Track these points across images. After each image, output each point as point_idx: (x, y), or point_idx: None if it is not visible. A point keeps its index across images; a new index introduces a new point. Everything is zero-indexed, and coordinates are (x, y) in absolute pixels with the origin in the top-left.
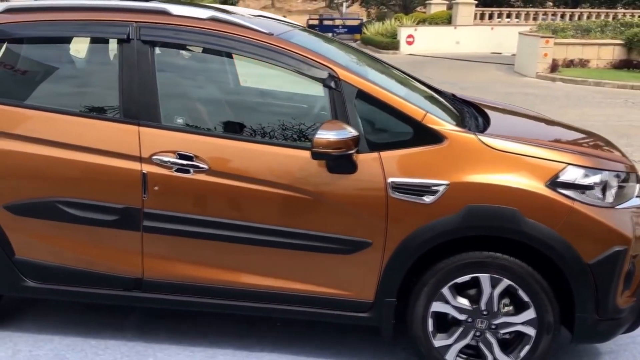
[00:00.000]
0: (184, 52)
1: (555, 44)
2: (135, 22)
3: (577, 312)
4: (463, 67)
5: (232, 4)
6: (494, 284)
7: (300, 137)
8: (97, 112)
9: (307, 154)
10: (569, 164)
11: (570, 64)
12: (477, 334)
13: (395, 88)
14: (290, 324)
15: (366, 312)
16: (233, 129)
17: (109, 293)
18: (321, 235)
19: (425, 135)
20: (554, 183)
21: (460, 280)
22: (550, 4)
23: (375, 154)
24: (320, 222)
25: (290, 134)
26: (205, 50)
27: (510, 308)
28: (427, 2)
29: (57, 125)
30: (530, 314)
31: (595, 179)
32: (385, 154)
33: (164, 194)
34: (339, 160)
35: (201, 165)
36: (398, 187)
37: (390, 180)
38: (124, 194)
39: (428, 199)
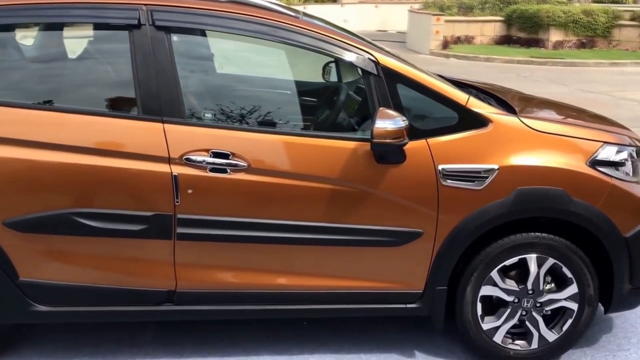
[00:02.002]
0: (203, 38)
1: (446, 21)
2: (145, 4)
3: (616, 283)
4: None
5: None
6: (540, 263)
7: (344, 128)
8: (112, 110)
9: (352, 144)
10: (605, 142)
11: (457, 40)
12: (524, 313)
13: None
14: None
15: (415, 303)
16: (271, 122)
17: (136, 310)
18: (370, 229)
19: (470, 120)
20: (594, 162)
21: (508, 262)
22: None
23: (422, 142)
24: (369, 215)
25: (333, 125)
26: (227, 36)
27: (553, 285)
28: None
29: (67, 126)
30: (573, 289)
31: (624, 155)
32: (432, 141)
33: (199, 197)
34: (391, 150)
35: (239, 164)
36: (448, 174)
37: (440, 167)
38: (153, 200)
39: (479, 184)
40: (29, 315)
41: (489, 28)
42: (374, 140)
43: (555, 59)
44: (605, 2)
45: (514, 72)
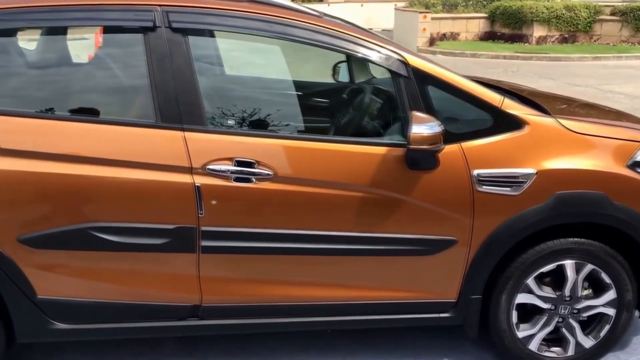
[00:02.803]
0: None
1: (432, 19)
2: (160, 5)
3: None
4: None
5: None
6: (577, 269)
7: (373, 132)
8: (128, 118)
9: (382, 150)
10: None
11: (443, 37)
12: (560, 320)
13: None
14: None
15: (448, 312)
16: (296, 128)
17: (159, 325)
18: (401, 238)
19: (505, 122)
20: (634, 163)
21: (545, 269)
22: None
23: (455, 146)
24: (401, 224)
25: (361, 129)
26: (248, 38)
27: (590, 291)
28: None
29: (82, 137)
30: (611, 295)
31: None
32: (466, 145)
33: (224, 208)
34: (425, 156)
35: (265, 172)
36: (484, 180)
37: (475, 172)
38: (175, 212)
39: (516, 189)
40: (48, 333)
41: (473, 25)
42: (411, 146)
43: (540, 54)
44: None
45: (501, 68)
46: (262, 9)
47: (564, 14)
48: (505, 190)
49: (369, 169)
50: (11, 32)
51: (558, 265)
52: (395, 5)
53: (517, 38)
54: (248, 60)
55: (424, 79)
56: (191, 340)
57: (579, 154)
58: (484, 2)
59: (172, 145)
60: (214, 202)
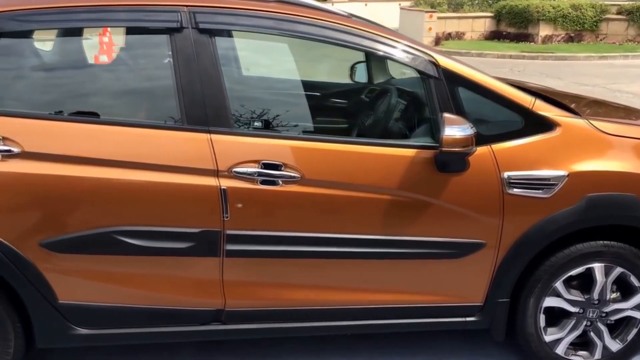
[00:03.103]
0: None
1: (438, 18)
2: (186, 6)
3: None
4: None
5: None
6: (607, 272)
7: (400, 134)
8: (154, 120)
9: (411, 152)
10: None
11: (448, 36)
12: (588, 323)
13: None
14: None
15: (474, 316)
16: (323, 130)
17: (182, 330)
18: (429, 241)
19: (537, 124)
20: None
21: (574, 272)
22: None
23: (485, 148)
24: (429, 227)
25: (387, 132)
26: (276, 39)
27: (618, 294)
28: None
29: (106, 139)
30: (639, 298)
31: None
32: (496, 147)
33: (249, 211)
34: (456, 158)
35: (292, 175)
36: (514, 182)
37: (505, 175)
38: (200, 215)
39: (547, 191)
40: (69, 338)
41: (479, 24)
42: (443, 149)
43: (546, 53)
44: None
45: (507, 67)
46: (290, 9)
47: (570, 13)
48: (536, 193)
49: (397, 172)
50: (29, 34)
51: (587, 269)
52: (400, 4)
53: (522, 37)
54: (255, 60)
55: (454, 80)
56: (210, 345)
57: (610, 156)
58: (490, 2)
59: (198, 147)
60: (239, 205)
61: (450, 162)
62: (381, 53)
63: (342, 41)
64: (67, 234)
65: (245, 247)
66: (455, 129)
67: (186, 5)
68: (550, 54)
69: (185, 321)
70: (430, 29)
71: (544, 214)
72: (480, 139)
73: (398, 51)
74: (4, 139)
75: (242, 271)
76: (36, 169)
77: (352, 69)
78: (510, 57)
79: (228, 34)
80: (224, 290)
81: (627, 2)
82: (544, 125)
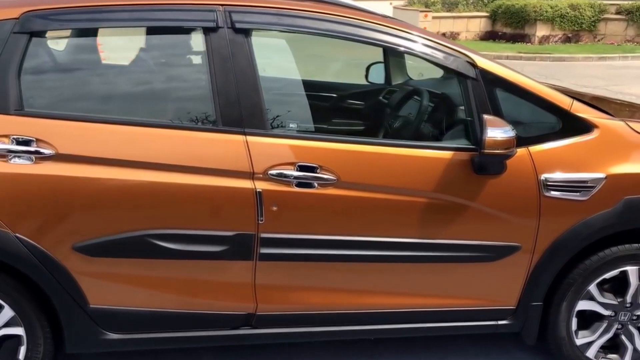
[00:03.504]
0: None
1: (433, 17)
2: (222, 5)
3: None
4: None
5: None
6: None
7: (432, 136)
8: (188, 122)
9: (448, 154)
10: None
11: (442, 36)
12: (619, 326)
13: None
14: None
15: (506, 320)
16: (361, 132)
17: (212, 335)
18: (464, 244)
19: (575, 126)
20: None
21: (608, 275)
22: None
23: (523, 150)
24: (464, 230)
25: (421, 134)
26: (310, 39)
27: None
28: None
29: (139, 141)
30: None
31: None
32: (534, 149)
33: (284, 214)
34: (495, 161)
35: (328, 177)
36: (552, 185)
37: (542, 177)
38: (235, 218)
39: (584, 194)
40: (100, 343)
41: (474, 24)
42: (485, 151)
43: (543, 54)
44: None
45: None
46: (327, 8)
47: (568, 13)
48: (574, 195)
49: (433, 174)
50: (71, 33)
51: (621, 272)
52: (391, 3)
53: (518, 38)
54: (279, 63)
55: (492, 81)
56: (230, 348)
57: None
58: (485, 1)
59: (234, 149)
60: (274, 208)
61: (489, 164)
62: (420, 54)
63: (380, 42)
64: (101, 237)
65: (279, 250)
66: (497, 131)
67: (222, 5)
68: (548, 55)
69: (216, 325)
70: (425, 28)
71: (580, 216)
72: (519, 141)
73: (437, 52)
74: (38, 140)
75: (274, 275)
76: (70, 171)
77: (368, 70)
78: (507, 58)
79: (264, 34)
80: (256, 294)
81: (626, 2)
82: (582, 127)
